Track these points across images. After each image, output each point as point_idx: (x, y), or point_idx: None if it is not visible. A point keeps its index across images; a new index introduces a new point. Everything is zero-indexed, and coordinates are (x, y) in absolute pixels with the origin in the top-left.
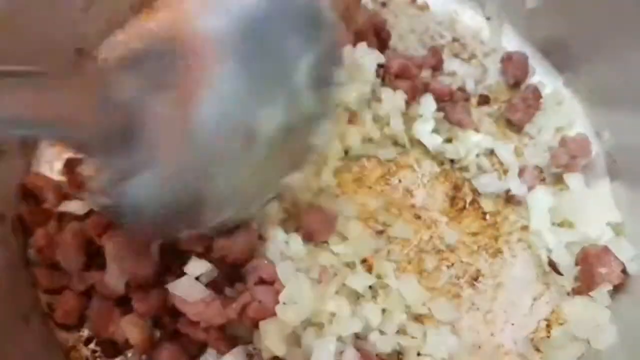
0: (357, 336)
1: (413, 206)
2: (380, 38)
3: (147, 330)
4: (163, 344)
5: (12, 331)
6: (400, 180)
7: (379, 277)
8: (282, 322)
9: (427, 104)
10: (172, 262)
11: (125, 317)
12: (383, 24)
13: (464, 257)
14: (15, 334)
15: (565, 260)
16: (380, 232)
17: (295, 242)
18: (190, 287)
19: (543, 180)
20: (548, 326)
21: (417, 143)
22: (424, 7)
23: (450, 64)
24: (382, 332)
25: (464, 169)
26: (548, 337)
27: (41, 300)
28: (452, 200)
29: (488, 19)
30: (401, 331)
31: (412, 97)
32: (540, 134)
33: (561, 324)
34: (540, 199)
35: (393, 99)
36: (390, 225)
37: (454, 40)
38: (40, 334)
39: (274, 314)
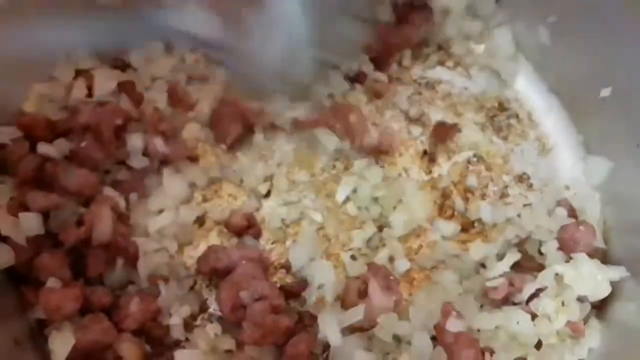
0: None
1: None
2: None
3: (143, 347)
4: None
5: (6, 356)
6: None
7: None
8: None
9: None
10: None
11: (121, 335)
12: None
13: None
14: (8, 357)
15: None
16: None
17: None
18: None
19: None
20: None
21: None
22: None
23: None
24: None
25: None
26: None
27: (30, 319)
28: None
29: None
30: None
31: None
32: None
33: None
34: None
35: None
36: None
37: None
38: (33, 354)
39: None
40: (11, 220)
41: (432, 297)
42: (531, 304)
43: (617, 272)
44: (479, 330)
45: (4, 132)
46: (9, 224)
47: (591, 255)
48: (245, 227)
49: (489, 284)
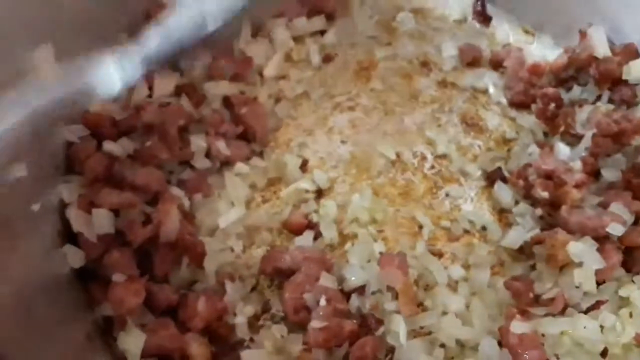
0: None
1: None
2: None
3: (210, 347)
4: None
5: (80, 351)
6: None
7: None
8: None
9: None
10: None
11: (189, 334)
12: None
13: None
14: (82, 353)
15: None
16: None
17: None
18: None
19: None
20: None
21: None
22: None
23: None
24: None
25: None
26: None
27: (98, 316)
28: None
29: None
30: None
31: None
32: None
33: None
34: None
35: None
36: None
37: None
38: (103, 349)
39: None
40: (84, 217)
41: (489, 301)
42: (590, 314)
43: None
44: (543, 335)
45: (72, 130)
46: (81, 220)
47: None
48: (305, 227)
49: (545, 296)
